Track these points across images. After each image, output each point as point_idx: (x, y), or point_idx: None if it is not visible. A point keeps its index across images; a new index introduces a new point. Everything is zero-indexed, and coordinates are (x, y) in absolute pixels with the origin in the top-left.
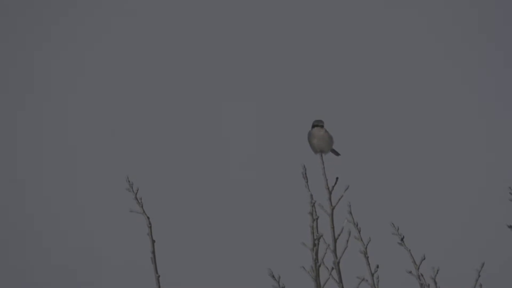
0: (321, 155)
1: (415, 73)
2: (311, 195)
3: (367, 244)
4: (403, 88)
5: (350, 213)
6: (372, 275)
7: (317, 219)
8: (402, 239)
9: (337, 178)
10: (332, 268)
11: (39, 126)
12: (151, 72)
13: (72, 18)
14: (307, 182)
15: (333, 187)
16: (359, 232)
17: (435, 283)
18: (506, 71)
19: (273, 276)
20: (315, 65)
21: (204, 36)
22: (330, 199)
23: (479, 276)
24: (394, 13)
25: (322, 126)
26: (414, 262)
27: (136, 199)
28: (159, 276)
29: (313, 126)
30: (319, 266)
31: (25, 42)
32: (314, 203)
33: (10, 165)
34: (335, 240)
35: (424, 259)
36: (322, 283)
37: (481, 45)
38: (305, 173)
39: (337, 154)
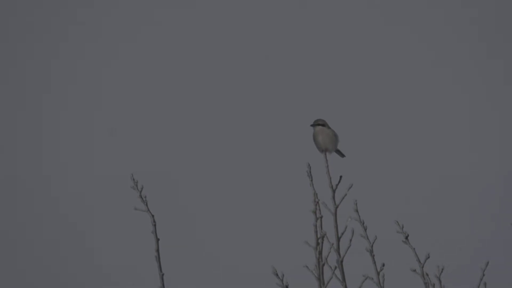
0: (326, 154)
1: (415, 76)
2: (315, 194)
3: (373, 243)
4: (404, 90)
5: (357, 211)
6: (378, 273)
7: (321, 218)
8: (406, 238)
9: (340, 177)
10: (336, 267)
11: (53, 125)
12: (162, 73)
13: (90, 18)
14: (311, 180)
15: (336, 185)
16: (365, 230)
17: (440, 281)
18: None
19: (276, 275)
20: (319, 67)
21: (207, 38)
22: (334, 197)
23: (483, 274)
24: (392, 14)
25: (323, 125)
26: (419, 261)
27: (141, 197)
28: (163, 274)
29: (314, 125)
30: (323, 265)
31: (43, 43)
32: (318, 202)
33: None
34: (338, 239)
35: (429, 257)
36: (325, 282)
37: (480, 51)
38: (310, 172)
39: (342, 155)
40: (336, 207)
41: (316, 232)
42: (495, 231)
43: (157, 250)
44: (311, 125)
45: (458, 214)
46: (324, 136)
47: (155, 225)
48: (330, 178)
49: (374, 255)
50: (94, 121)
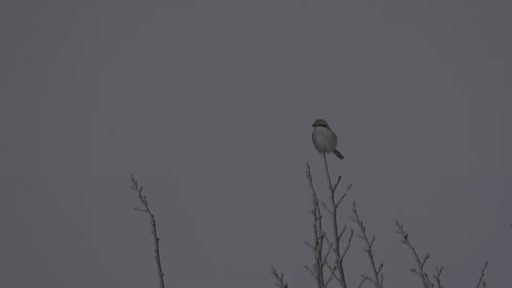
0: (324, 154)
1: (415, 76)
2: (315, 194)
3: (371, 243)
4: (404, 90)
5: (355, 211)
6: (376, 273)
7: (320, 218)
8: (406, 237)
9: (339, 177)
10: (335, 267)
11: (53, 125)
12: (162, 73)
13: (90, 18)
14: (310, 180)
15: (335, 186)
16: (364, 230)
17: (439, 282)
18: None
19: (276, 275)
20: (319, 67)
21: (207, 38)
22: (333, 198)
23: (483, 274)
24: (392, 14)
25: (324, 125)
26: (418, 261)
27: (140, 197)
28: (162, 274)
29: (315, 125)
30: (322, 265)
31: (43, 43)
32: (317, 202)
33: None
34: (337, 239)
35: (428, 257)
36: (325, 282)
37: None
38: (309, 172)
39: (341, 157)
40: (335, 207)
41: (315, 232)
42: (495, 231)
43: (157, 250)
44: (312, 125)
45: (458, 214)
46: (324, 138)
47: (154, 225)
48: (329, 178)
49: (372, 256)
50: (94, 121)
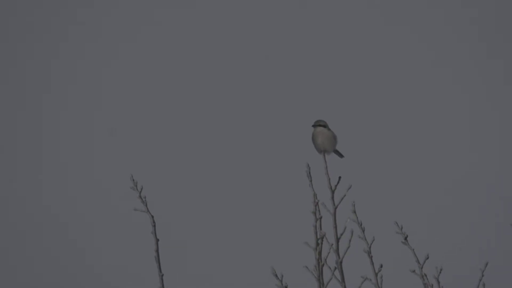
0: (324, 155)
1: (415, 76)
2: (315, 194)
3: (371, 244)
4: (404, 90)
5: (354, 212)
6: (376, 274)
7: (320, 218)
8: (405, 238)
9: (339, 178)
10: (335, 268)
11: (53, 125)
12: (162, 73)
13: (90, 18)
14: (311, 181)
15: (335, 186)
16: (363, 231)
17: (438, 282)
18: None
19: (276, 275)
20: (319, 67)
21: (207, 38)
22: (333, 198)
23: (482, 275)
24: (393, 13)
25: (324, 126)
26: (418, 262)
27: (140, 197)
28: (162, 275)
29: (315, 126)
30: (323, 265)
31: (43, 43)
32: (317, 203)
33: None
34: (337, 240)
35: (428, 258)
36: (325, 283)
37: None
38: (309, 172)
39: (341, 156)
40: (335, 208)
41: (315, 232)
42: (496, 231)
43: (157, 251)
44: (312, 126)
45: (458, 214)
46: (324, 138)
47: (154, 226)
48: (329, 178)
49: (372, 256)
50: (94, 121)
